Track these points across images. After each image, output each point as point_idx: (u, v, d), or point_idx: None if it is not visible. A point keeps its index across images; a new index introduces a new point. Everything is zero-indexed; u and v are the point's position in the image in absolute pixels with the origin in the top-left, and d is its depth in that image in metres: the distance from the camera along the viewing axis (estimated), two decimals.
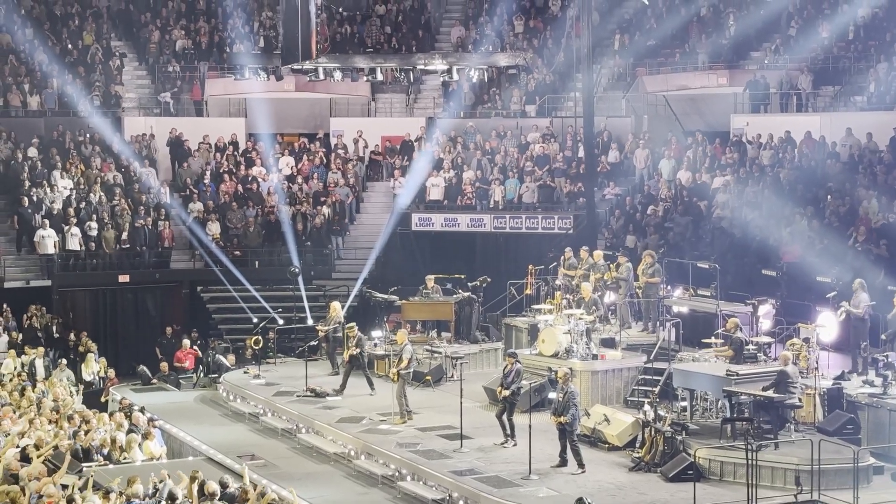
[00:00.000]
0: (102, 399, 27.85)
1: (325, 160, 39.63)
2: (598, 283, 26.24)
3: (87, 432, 20.70)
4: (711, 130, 37.44)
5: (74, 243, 34.09)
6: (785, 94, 35.98)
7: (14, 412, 21.64)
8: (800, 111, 35.39)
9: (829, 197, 30.42)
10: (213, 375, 29.82)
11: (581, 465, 19.80)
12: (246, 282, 34.20)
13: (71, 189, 35.68)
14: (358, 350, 26.03)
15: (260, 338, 30.82)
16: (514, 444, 21.22)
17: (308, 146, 40.40)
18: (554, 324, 24.69)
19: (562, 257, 28.19)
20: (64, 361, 29.13)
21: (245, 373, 28.97)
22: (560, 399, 19.89)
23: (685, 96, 38.98)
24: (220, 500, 15.70)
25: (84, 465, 18.92)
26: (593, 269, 26.74)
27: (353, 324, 27.05)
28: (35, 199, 34.80)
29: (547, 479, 19.42)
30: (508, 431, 21.52)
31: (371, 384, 26.23)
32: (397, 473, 20.71)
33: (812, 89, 35.45)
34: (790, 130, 34.00)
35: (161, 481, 16.94)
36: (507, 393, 21.27)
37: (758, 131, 35.01)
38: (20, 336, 31.32)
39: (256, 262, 35.84)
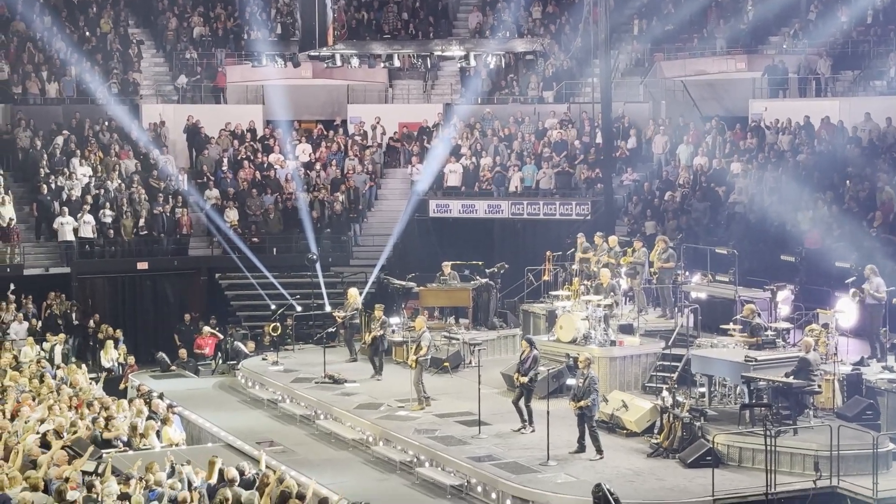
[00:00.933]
0: (121, 386, 27.99)
1: (342, 147, 39.74)
2: (613, 269, 26.13)
3: (106, 419, 20.76)
4: (730, 116, 37.35)
5: (87, 231, 34.17)
6: (804, 78, 35.87)
7: (33, 399, 21.80)
8: (819, 96, 35.26)
9: (848, 182, 30.27)
10: (232, 362, 30.07)
11: (599, 450, 19.76)
12: (264, 269, 34.22)
13: (90, 176, 35.76)
14: (382, 332, 26.16)
15: (278, 324, 31.06)
16: (533, 431, 21.21)
17: (325, 133, 40.43)
18: (572, 310, 24.64)
19: (576, 242, 28.13)
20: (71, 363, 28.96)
21: (263, 359, 28.97)
22: (580, 385, 19.86)
23: (703, 81, 38.83)
24: (238, 485, 15.72)
25: (104, 451, 18.91)
26: (608, 255, 26.64)
27: (382, 305, 27.11)
28: (54, 186, 34.98)
29: (565, 464, 19.39)
30: (526, 417, 21.45)
31: (378, 369, 26.24)
32: (415, 459, 20.69)
33: (831, 74, 35.27)
34: (809, 115, 33.88)
35: (179, 464, 17.06)
36: (524, 379, 21.20)
37: (776, 116, 34.90)
38: (39, 323, 31.45)
39: (274, 249, 35.77)
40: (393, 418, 22.77)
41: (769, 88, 36.31)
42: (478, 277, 29.20)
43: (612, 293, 25.03)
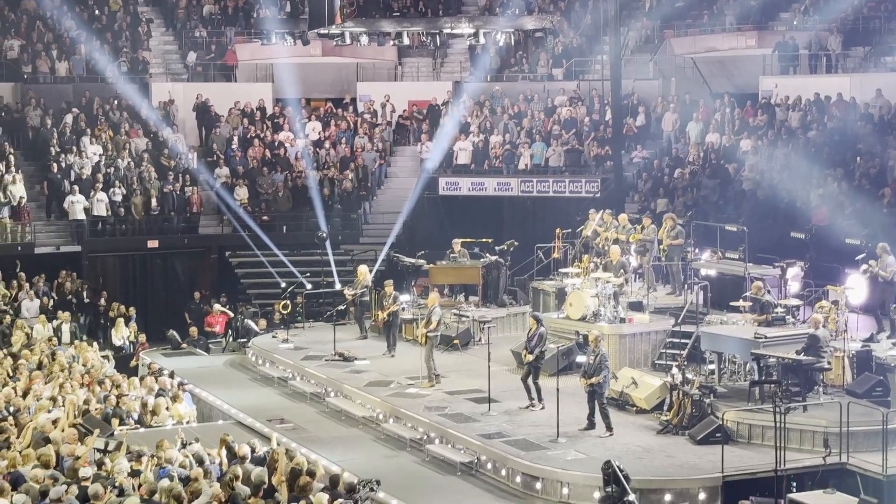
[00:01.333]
0: (132, 364, 28.04)
1: (351, 125, 39.65)
2: (623, 247, 26.04)
3: (118, 397, 20.87)
4: (740, 93, 37.16)
5: (101, 209, 34.19)
6: (814, 55, 35.69)
7: (45, 377, 21.90)
8: (829, 72, 35.08)
9: (858, 159, 30.14)
10: (242, 340, 29.95)
11: (609, 427, 19.80)
12: (274, 247, 34.37)
13: (100, 155, 35.78)
14: (397, 307, 26.07)
15: (288, 302, 31.03)
16: (542, 408, 21.25)
17: (335, 111, 40.35)
18: (581, 287, 24.56)
19: (588, 217, 28.01)
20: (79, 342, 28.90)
21: (273, 337, 29.00)
22: (591, 362, 19.90)
23: (713, 58, 38.62)
24: (249, 463, 15.73)
25: (116, 429, 18.99)
26: (618, 232, 26.57)
27: (390, 280, 27.13)
28: (64, 164, 35.00)
29: (575, 441, 19.43)
30: (534, 395, 21.52)
31: (392, 345, 26.24)
32: (425, 437, 20.74)
33: (842, 50, 35.08)
34: (819, 92, 33.70)
35: (189, 442, 17.12)
36: (531, 357, 21.27)
37: (787, 93, 34.73)
38: (51, 301, 31.48)
39: (284, 227, 35.83)
40: (403, 396, 22.79)
41: (779, 65, 36.08)
42: (487, 255, 29.17)
43: (621, 270, 24.99)
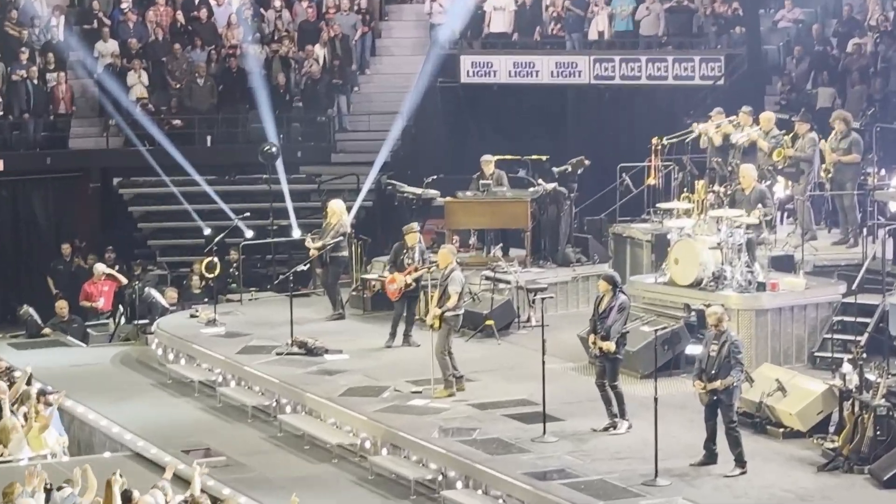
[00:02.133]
0: None
1: None
2: (764, 166, 26.23)
3: None
4: None
5: None
6: None
7: None
8: None
9: None
10: (142, 322, 29.92)
11: (740, 461, 19.42)
12: (191, 169, 34.63)
13: None
14: (427, 268, 25.77)
15: (215, 260, 30.62)
16: (629, 428, 21.03)
17: None
18: (695, 233, 24.42)
19: (707, 122, 28.02)
20: None
21: (192, 317, 28.95)
22: (712, 355, 19.50)
23: None
24: None
25: None
26: (756, 137, 26.78)
27: (414, 224, 27.16)
28: None
29: (685, 484, 19.04)
30: (615, 409, 21.28)
31: (407, 329, 26.33)
32: (441, 477, 20.35)
33: None
34: None
35: (55, 486, 17.13)
36: (605, 345, 20.99)
37: None
38: None
39: (208, 138, 36.62)
40: (403, 410, 22.48)
41: None
42: (540, 181, 29.08)
43: (760, 205, 24.78)
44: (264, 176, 34.11)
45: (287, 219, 33.32)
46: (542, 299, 23.38)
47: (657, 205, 28.08)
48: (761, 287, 23.90)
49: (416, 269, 26.03)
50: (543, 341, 21.59)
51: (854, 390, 20.21)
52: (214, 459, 21.84)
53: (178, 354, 27.49)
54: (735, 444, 19.63)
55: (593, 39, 36.88)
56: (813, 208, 26.80)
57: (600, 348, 21.13)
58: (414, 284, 26.08)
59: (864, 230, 25.89)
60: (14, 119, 35.55)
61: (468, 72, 37.35)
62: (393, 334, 26.45)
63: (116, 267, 32.50)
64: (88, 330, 30.64)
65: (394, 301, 26.69)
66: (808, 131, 26.71)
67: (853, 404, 20.06)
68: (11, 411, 21.69)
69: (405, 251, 26.52)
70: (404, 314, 26.37)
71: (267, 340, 26.84)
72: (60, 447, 21.59)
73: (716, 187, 26.30)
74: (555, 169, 29.58)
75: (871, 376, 20.46)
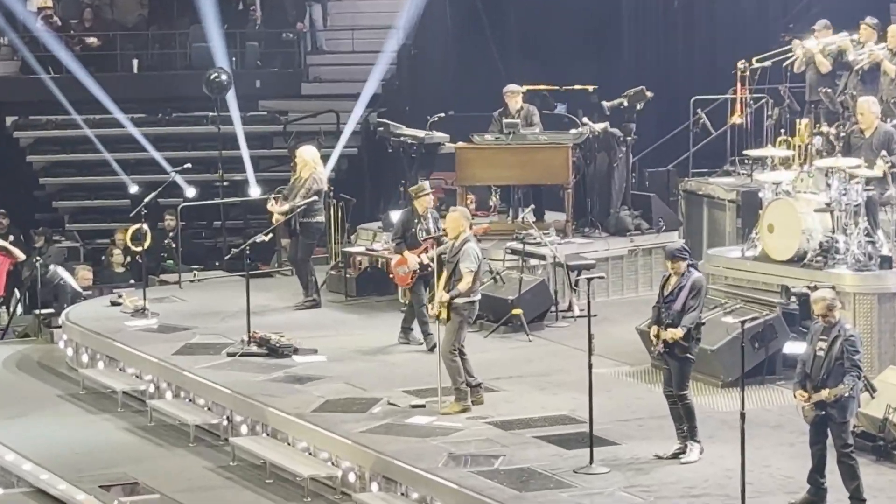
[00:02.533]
0: None
1: None
2: (892, 99, 26.47)
3: None
4: None
5: None
6: None
7: None
8: None
9: None
10: (46, 311, 30.69)
11: (858, 498, 19.22)
12: (112, 105, 35.11)
13: None
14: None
15: (144, 228, 31.08)
16: (701, 454, 21.10)
17: None
18: (795, 191, 24.99)
19: (811, 39, 27.90)
20: None
21: (114, 304, 29.70)
22: (819, 355, 19.26)
23: None
24: None
25: None
26: (888, 62, 26.79)
27: (425, 184, 27.22)
28: None
29: None
30: (685, 427, 21.09)
31: (427, 331, 26.51)
32: None
33: None
34: None
35: None
36: (670, 333, 20.80)
37: None
38: None
39: (135, 63, 38.32)
40: (399, 431, 22.69)
41: None
42: (585, 120, 29.36)
43: (884, 152, 24.96)
44: (211, 114, 34.94)
45: (242, 172, 34.12)
46: (589, 280, 22.90)
47: (744, 152, 29.20)
48: (886, 263, 24.47)
49: (433, 245, 25.56)
50: (590, 337, 21.86)
51: None
52: (144, 498, 22.54)
53: (95, 356, 28.20)
54: (851, 475, 19.53)
55: None
56: None
57: (664, 340, 21.25)
58: (432, 266, 25.18)
59: None
60: None
61: None
62: (407, 328, 26.89)
63: (11, 238, 33.18)
64: None
65: (404, 288, 27.55)
66: None
67: None
68: None
69: (416, 221, 26.71)
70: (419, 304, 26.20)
71: (215, 336, 27.84)
72: None
73: (824, 128, 26.55)
74: (605, 103, 30.36)
75: None
